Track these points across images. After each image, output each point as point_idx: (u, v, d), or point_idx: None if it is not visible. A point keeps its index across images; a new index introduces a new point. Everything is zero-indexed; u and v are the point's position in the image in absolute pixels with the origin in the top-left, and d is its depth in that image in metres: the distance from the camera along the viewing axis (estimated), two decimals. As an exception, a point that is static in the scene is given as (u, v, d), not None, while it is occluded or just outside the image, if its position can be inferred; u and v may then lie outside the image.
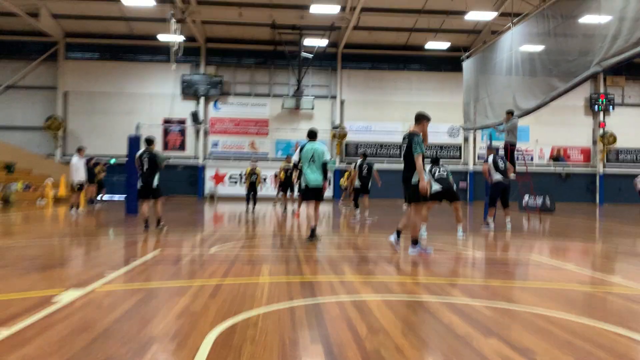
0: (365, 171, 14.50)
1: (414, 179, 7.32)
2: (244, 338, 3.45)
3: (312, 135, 9.50)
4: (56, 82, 29.97)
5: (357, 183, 14.59)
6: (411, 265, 6.75)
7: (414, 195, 7.34)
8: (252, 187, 18.31)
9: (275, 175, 18.84)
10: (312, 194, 9.33)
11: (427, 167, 10.50)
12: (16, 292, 4.64)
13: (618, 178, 31.96)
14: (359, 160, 14.68)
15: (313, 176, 9.24)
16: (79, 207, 15.49)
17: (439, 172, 10.46)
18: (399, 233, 7.60)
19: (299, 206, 15.77)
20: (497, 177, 12.09)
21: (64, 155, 29.31)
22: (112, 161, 26.32)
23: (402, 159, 7.59)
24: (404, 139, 7.56)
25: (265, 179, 27.50)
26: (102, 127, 29.59)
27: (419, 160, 7.27)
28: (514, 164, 14.43)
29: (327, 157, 9.42)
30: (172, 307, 4.25)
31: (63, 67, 29.99)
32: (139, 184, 10.51)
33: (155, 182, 10.49)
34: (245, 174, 19.02)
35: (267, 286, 5.14)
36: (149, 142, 10.81)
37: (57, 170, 26.00)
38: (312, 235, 9.02)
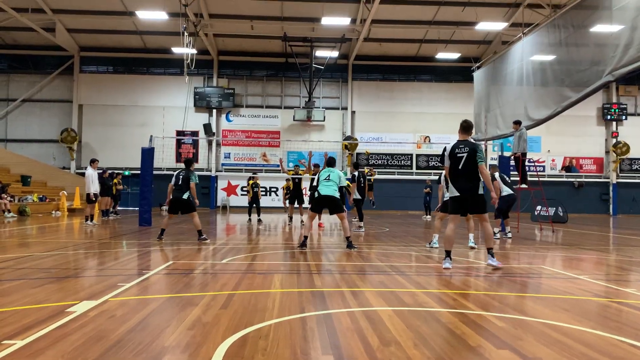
0: (363, 182, 14.92)
1: (481, 190, 7.26)
2: (256, 349, 3.47)
3: (331, 162, 10.54)
4: (71, 95, 30.43)
5: (356, 194, 14.67)
6: (422, 276, 6.73)
7: (483, 205, 7.30)
8: (255, 198, 18.62)
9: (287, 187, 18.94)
10: (324, 204, 10.04)
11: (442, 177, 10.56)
12: (31, 303, 4.70)
13: (632, 188, 31.62)
14: (356, 172, 14.83)
15: (326, 189, 9.92)
16: (93, 218, 15.64)
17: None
18: (490, 251, 7.43)
19: (319, 217, 16.09)
20: (507, 190, 12.37)
21: (79, 167, 29.66)
22: (127, 173, 26.58)
23: (460, 170, 7.19)
24: (457, 147, 7.27)
25: (272, 190, 27.68)
26: (115, 140, 29.94)
27: (486, 170, 7.29)
28: (525, 175, 14.41)
29: (344, 182, 10.32)
30: (184, 318, 4.27)
31: (78, 81, 30.46)
32: (170, 198, 10.97)
33: (185, 195, 10.83)
34: (247, 186, 19.33)
35: (278, 297, 5.15)
36: (187, 163, 11.33)
37: (72, 182, 26.32)
38: (349, 245, 9.69)
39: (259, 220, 18.25)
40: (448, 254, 7.35)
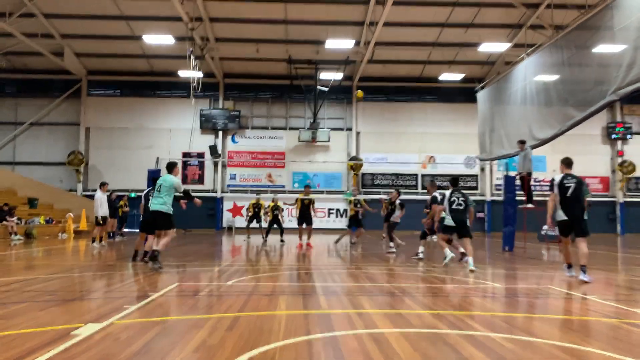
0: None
1: (586, 216, 8.55)
2: (261, 372, 3.44)
3: (169, 167, 9.71)
4: (78, 119, 30.74)
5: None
6: (429, 297, 6.68)
7: (586, 229, 8.45)
8: (275, 220, 18.55)
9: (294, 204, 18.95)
10: (153, 219, 9.44)
11: (447, 192, 10.24)
12: (36, 326, 4.69)
13: (639, 207, 31.40)
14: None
15: (156, 201, 9.30)
16: (101, 240, 15.64)
17: (458, 201, 10.11)
18: (583, 268, 8.17)
19: (308, 237, 16.25)
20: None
21: (85, 189, 29.81)
22: (132, 195, 26.68)
23: (569, 197, 8.42)
24: (566, 179, 8.51)
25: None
26: (122, 162, 30.11)
27: (586, 202, 8.76)
28: (530, 194, 14.36)
29: (179, 188, 9.46)
30: (190, 341, 4.25)
31: (85, 104, 30.79)
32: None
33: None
34: (267, 208, 19.18)
35: (284, 319, 5.12)
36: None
37: (79, 204, 26.39)
38: (153, 258, 9.13)
39: (281, 240, 18.27)
40: (569, 265, 8.80)
